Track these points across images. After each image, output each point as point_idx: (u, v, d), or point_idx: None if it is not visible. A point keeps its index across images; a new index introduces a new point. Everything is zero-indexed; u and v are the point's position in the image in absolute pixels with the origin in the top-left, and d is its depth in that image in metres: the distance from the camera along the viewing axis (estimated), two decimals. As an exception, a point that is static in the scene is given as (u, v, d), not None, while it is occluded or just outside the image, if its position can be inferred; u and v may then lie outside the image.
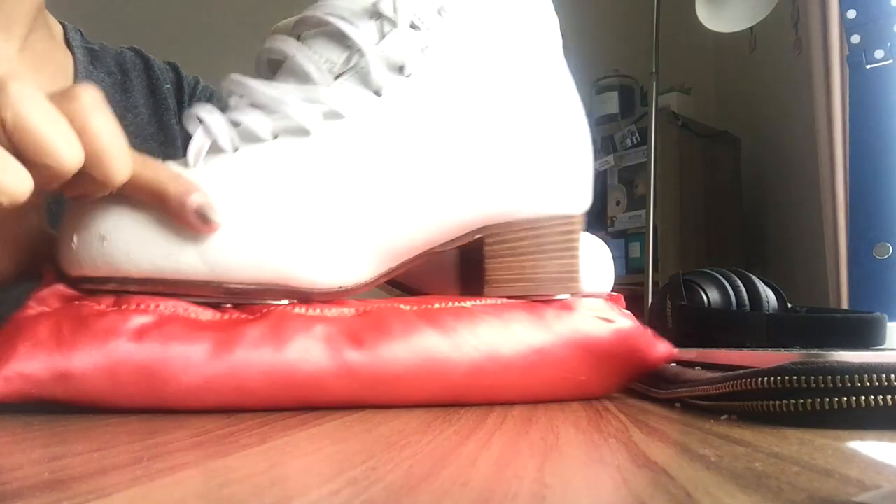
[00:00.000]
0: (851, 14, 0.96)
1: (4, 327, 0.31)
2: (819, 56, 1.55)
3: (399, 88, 0.34)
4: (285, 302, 0.33)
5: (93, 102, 0.29)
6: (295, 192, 0.33)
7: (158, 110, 0.66)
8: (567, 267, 0.37)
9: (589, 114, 2.33)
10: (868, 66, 0.96)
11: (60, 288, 0.33)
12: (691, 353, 0.40)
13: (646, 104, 1.96)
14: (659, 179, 1.82)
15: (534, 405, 0.35)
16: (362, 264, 0.34)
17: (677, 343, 0.38)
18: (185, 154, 0.33)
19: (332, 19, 0.34)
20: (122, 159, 0.30)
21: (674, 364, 0.39)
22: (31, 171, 0.28)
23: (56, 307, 0.32)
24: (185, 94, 0.69)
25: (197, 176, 0.32)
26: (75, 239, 0.32)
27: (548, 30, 0.39)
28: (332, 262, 0.34)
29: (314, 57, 0.34)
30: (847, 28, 0.98)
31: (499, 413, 0.31)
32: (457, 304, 0.35)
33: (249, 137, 0.33)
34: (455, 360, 0.33)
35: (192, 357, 0.30)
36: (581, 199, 0.38)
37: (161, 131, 0.65)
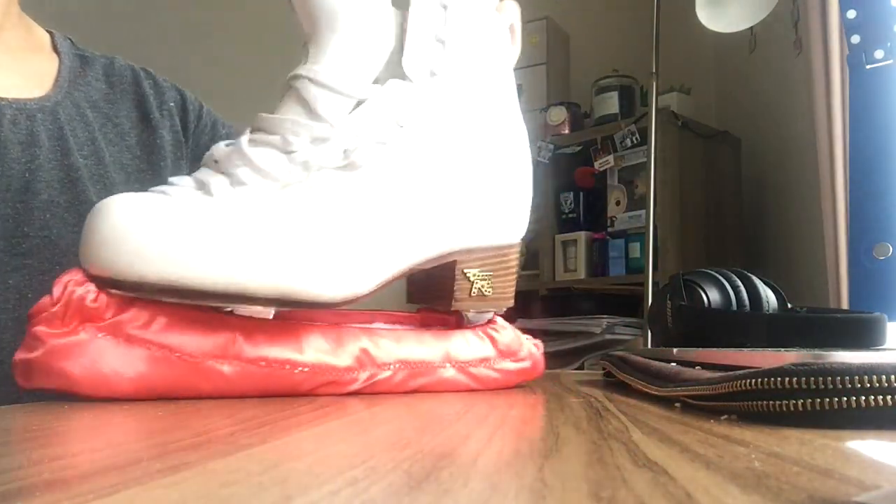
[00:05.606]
0: (851, 14, 0.96)
1: None
2: (819, 56, 1.55)
3: (399, 142, 0.41)
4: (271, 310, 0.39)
5: None
6: (326, 220, 0.39)
7: (142, 123, 0.67)
8: (509, 285, 0.47)
9: (589, 114, 2.33)
10: (868, 66, 0.96)
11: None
12: (691, 353, 0.40)
13: (646, 104, 1.95)
14: (659, 179, 1.82)
15: (533, 405, 0.35)
16: (362, 281, 0.41)
17: (677, 343, 0.38)
18: (173, 170, 0.36)
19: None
20: None
21: (674, 364, 0.39)
22: None
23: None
24: (191, 114, 0.71)
25: (222, 203, 0.37)
26: (96, 237, 0.35)
27: (508, 89, 0.47)
28: (340, 277, 0.39)
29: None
30: (847, 28, 0.98)
31: (499, 413, 0.31)
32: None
33: (262, 174, 0.39)
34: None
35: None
36: (521, 231, 0.48)
37: (140, 144, 0.66)
